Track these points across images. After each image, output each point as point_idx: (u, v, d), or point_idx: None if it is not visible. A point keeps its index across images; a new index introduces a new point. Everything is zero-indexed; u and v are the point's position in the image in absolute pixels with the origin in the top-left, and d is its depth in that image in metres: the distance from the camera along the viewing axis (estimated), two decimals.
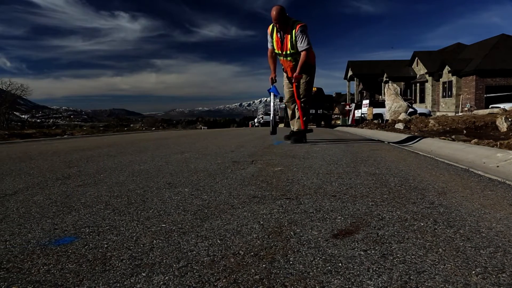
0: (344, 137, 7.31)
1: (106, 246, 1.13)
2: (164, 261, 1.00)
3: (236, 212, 1.49)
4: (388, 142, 5.28)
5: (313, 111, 17.53)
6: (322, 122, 18.47)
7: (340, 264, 0.96)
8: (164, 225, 1.33)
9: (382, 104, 18.50)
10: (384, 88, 27.60)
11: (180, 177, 2.35)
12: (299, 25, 4.58)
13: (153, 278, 0.90)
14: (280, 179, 2.22)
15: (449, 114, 17.10)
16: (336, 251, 1.05)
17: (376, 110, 18.89)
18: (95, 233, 1.26)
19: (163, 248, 1.09)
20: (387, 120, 14.53)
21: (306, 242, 1.13)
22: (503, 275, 0.89)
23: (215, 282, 0.87)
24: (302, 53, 4.63)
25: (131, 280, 0.89)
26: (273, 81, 5.19)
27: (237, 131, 13.54)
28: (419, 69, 30.90)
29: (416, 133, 7.21)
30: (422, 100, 30.00)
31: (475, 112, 14.48)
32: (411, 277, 0.88)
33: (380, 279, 0.88)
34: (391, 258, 1.00)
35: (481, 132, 6.99)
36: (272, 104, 5.39)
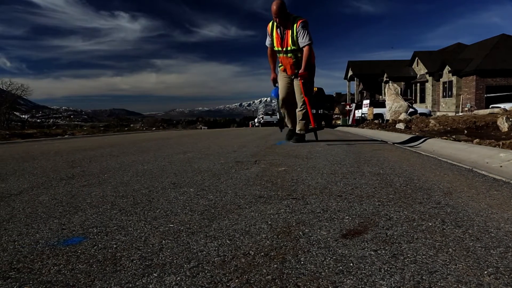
0: (345, 137, 7.31)
1: (115, 246, 1.13)
2: (175, 261, 1.00)
3: (243, 212, 1.49)
4: (393, 143, 5.28)
5: (314, 111, 17.56)
6: (323, 122, 18.48)
7: (351, 264, 0.96)
8: (172, 225, 1.33)
9: (382, 104, 18.51)
10: (384, 88, 27.62)
11: (184, 177, 2.35)
12: (300, 21, 4.51)
13: (165, 278, 0.90)
14: (285, 179, 2.22)
15: (450, 114, 17.10)
16: (346, 251, 1.05)
17: (377, 110, 18.88)
18: (103, 233, 1.25)
19: (172, 249, 1.09)
20: (387, 120, 14.53)
21: (315, 242, 1.13)
22: None
23: (228, 282, 0.87)
24: (305, 48, 4.55)
25: (143, 281, 0.89)
26: (275, 82, 5.13)
27: (238, 131, 13.55)
28: (420, 69, 30.91)
29: (417, 133, 7.21)
30: (423, 100, 30.00)
31: (475, 112, 14.48)
32: (424, 277, 0.88)
33: (392, 279, 0.88)
34: (402, 258, 1.00)
35: (482, 132, 6.99)
36: (279, 106, 5.34)
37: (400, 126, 9.44)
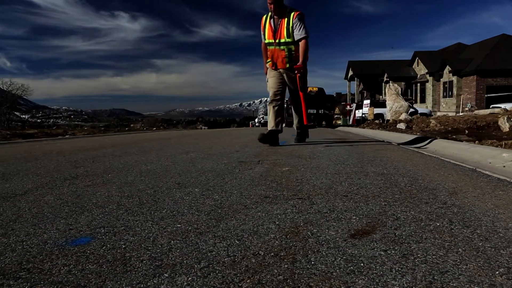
0: (346, 137, 7.31)
1: (124, 246, 1.13)
2: (185, 261, 1.00)
3: (250, 212, 1.49)
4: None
5: (314, 111, 17.56)
6: (324, 122, 18.48)
7: (362, 264, 0.96)
8: (179, 225, 1.32)
9: (382, 104, 18.52)
10: (384, 88, 27.62)
11: (188, 177, 2.35)
12: (297, 13, 4.29)
13: (176, 278, 0.89)
14: (289, 179, 2.22)
15: (450, 114, 17.11)
16: (356, 251, 1.05)
17: (377, 110, 18.90)
18: (111, 233, 1.25)
19: (181, 249, 1.09)
20: (388, 120, 14.54)
21: (324, 242, 1.13)
22: None
23: (240, 283, 0.86)
24: (302, 41, 4.30)
25: (154, 281, 0.89)
26: None
27: (239, 131, 13.55)
28: (420, 69, 30.91)
29: (418, 133, 7.21)
30: (423, 100, 30.01)
31: (476, 112, 14.49)
32: (435, 277, 0.88)
33: (404, 279, 0.88)
34: (412, 258, 1.00)
35: (483, 132, 6.98)
36: None
37: (401, 126, 9.44)
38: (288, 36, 4.33)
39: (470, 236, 1.18)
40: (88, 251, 1.09)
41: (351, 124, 19.20)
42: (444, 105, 27.72)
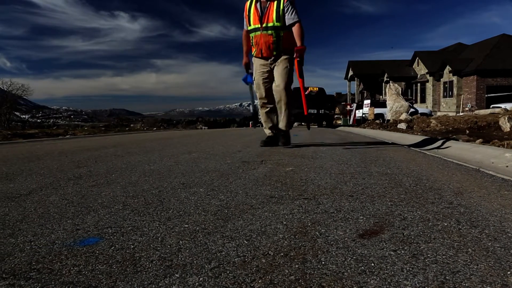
0: (348, 137, 7.31)
1: (132, 247, 1.12)
2: (195, 262, 1.00)
3: (257, 212, 1.49)
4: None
5: (315, 111, 17.56)
6: (324, 122, 18.49)
7: (372, 264, 0.96)
8: (186, 226, 1.32)
9: (383, 104, 18.52)
10: (384, 88, 27.62)
11: (192, 177, 2.35)
12: None
13: (187, 279, 0.89)
14: (294, 179, 2.22)
15: (450, 114, 17.11)
16: (366, 251, 1.05)
17: (377, 110, 18.90)
18: (119, 233, 1.25)
19: (191, 249, 1.09)
20: (388, 120, 14.54)
21: (333, 242, 1.13)
22: None
23: (251, 283, 0.86)
24: (297, 26, 4.01)
25: (166, 281, 0.88)
26: (248, 67, 4.52)
27: (239, 131, 13.55)
28: (420, 69, 30.92)
29: (419, 133, 7.21)
30: (423, 100, 30.02)
31: (476, 112, 14.48)
32: (447, 277, 0.88)
33: (416, 279, 0.87)
34: (423, 258, 1.00)
35: (483, 132, 6.99)
36: (252, 96, 4.71)
37: (402, 126, 9.45)
38: (278, 20, 4.04)
39: (479, 236, 1.18)
40: (97, 252, 1.09)
41: (352, 124, 19.21)
42: (444, 105, 27.73)
